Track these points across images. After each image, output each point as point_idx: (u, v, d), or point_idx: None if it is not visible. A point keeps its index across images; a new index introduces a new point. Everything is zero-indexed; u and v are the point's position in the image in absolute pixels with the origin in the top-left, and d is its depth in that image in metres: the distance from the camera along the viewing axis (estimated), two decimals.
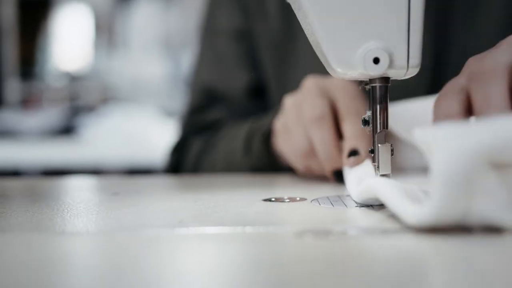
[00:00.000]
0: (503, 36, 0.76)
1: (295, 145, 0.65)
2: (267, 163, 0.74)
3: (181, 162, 0.92)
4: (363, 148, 0.58)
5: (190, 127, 0.94)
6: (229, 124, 0.88)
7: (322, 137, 0.62)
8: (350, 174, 0.56)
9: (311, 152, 0.63)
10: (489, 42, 0.76)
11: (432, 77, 0.76)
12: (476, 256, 0.35)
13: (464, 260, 0.34)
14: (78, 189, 0.75)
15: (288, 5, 0.85)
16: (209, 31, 0.96)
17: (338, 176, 0.62)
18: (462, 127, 0.36)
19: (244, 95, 0.91)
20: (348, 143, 0.60)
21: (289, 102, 0.67)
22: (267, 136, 0.73)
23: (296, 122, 0.64)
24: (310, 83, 0.66)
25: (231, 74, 0.92)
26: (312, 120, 0.62)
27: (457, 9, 0.77)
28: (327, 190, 0.58)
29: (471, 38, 0.77)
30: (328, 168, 0.63)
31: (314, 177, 0.67)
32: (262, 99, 0.89)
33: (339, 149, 0.62)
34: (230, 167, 0.80)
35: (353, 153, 0.58)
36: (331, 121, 0.62)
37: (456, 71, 0.76)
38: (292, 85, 0.70)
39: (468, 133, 0.36)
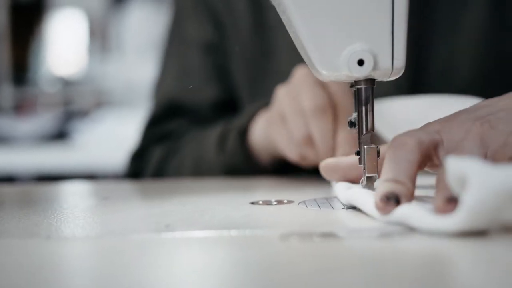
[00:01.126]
0: (481, 51, 0.77)
1: (292, 133, 0.64)
2: (242, 161, 0.74)
3: (141, 170, 0.91)
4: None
5: (149, 136, 0.93)
6: (193, 131, 0.87)
7: (322, 128, 0.62)
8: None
9: (309, 140, 0.63)
10: (467, 57, 0.77)
11: (410, 92, 0.76)
12: (461, 257, 0.35)
13: (456, 261, 0.34)
14: (69, 194, 0.75)
15: (261, 20, 0.85)
16: (176, 42, 0.94)
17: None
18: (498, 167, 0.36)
19: (211, 109, 0.89)
20: (341, 149, 0.61)
21: (282, 92, 0.67)
22: (243, 134, 0.74)
23: (293, 111, 0.64)
24: (303, 72, 0.66)
25: (198, 87, 0.90)
26: (313, 110, 0.62)
27: (436, 25, 0.78)
28: (315, 192, 0.58)
29: (449, 53, 0.77)
30: (325, 158, 0.62)
31: (301, 178, 0.67)
32: (231, 113, 0.87)
33: (337, 140, 0.62)
34: (200, 170, 0.80)
35: None
36: (331, 113, 0.63)
37: (433, 87, 0.76)
38: (266, 97, 0.71)
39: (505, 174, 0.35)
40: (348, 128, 0.60)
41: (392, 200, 0.41)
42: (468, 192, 0.35)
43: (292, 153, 0.66)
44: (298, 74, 0.67)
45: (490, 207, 0.35)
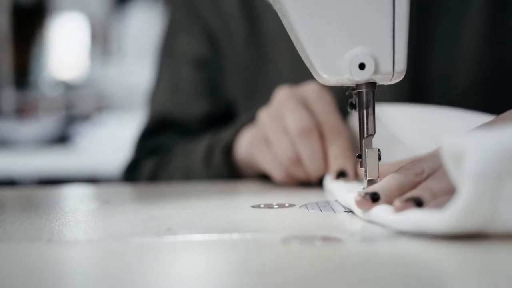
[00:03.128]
0: (480, 58, 0.77)
1: (279, 155, 0.65)
2: (228, 174, 0.76)
3: (134, 181, 0.92)
4: (350, 168, 0.61)
5: (142, 149, 0.93)
6: (182, 143, 0.87)
7: (311, 149, 0.63)
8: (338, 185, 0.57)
9: (295, 161, 0.64)
10: (467, 65, 0.78)
11: (410, 99, 0.76)
12: (474, 260, 0.35)
13: (457, 265, 0.34)
14: (71, 197, 0.75)
15: (255, 29, 0.86)
16: (169, 55, 0.94)
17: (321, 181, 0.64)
18: (495, 131, 0.35)
19: (201, 124, 0.90)
20: (335, 164, 0.62)
21: (264, 114, 0.67)
22: (228, 149, 0.74)
23: (277, 132, 0.65)
24: (284, 93, 0.66)
25: (189, 102, 0.90)
26: (299, 132, 0.63)
27: (436, 32, 0.78)
28: (316, 195, 0.58)
29: (449, 61, 0.78)
30: (314, 176, 0.65)
31: (294, 184, 0.67)
32: (221, 127, 0.86)
33: (325, 159, 0.63)
34: (189, 180, 0.81)
35: (341, 174, 0.61)
36: (317, 133, 0.63)
37: (433, 94, 0.77)
38: (263, 106, 0.71)
39: (502, 135, 0.35)
40: (339, 142, 0.62)
41: (369, 196, 0.43)
42: (469, 157, 0.34)
43: (277, 174, 0.67)
44: (280, 95, 0.67)
45: (495, 167, 0.34)
